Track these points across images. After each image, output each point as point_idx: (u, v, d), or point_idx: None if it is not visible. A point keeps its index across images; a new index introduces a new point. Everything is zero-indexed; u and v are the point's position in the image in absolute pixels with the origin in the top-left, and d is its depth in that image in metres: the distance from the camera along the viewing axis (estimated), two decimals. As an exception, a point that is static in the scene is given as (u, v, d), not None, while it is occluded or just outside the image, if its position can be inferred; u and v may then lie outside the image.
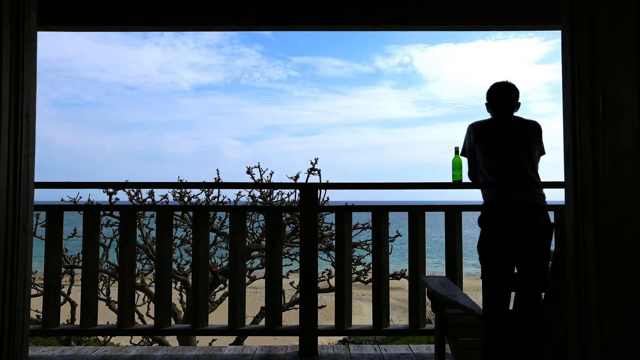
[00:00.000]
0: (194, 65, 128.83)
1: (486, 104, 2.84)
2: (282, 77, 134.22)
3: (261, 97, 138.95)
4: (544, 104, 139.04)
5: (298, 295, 6.73)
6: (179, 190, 7.09)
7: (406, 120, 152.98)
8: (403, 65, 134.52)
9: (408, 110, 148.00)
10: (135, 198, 6.87)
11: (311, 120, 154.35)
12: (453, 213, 3.31)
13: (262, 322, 3.87)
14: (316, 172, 6.66)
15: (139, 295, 6.94)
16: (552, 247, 2.34)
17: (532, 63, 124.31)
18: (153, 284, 6.39)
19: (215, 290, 7.02)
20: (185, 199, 7.17)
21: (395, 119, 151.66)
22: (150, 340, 6.93)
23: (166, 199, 7.01)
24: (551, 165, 3.02)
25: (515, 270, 2.61)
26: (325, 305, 5.84)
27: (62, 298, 5.77)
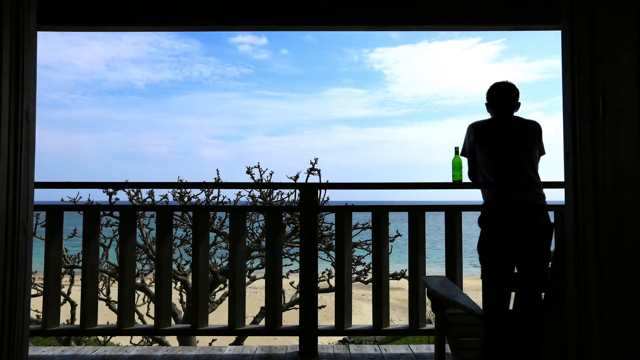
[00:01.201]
0: (139, 62, 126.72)
1: (486, 104, 2.84)
2: (235, 75, 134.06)
3: (220, 95, 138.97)
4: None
5: (298, 295, 6.73)
6: (178, 190, 7.10)
7: (371, 120, 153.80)
8: (363, 65, 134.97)
9: (371, 110, 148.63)
10: (135, 198, 6.87)
11: (282, 119, 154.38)
12: (453, 213, 3.31)
13: (262, 322, 3.87)
14: (316, 172, 6.66)
15: (139, 295, 6.95)
16: (552, 247, 2.34)
17: (488, 62, 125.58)
18: (153, 284, 6.40)
19: (215, 290, 7.03)
20: (185, 199, 7.17)
21: (362, 117, 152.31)
22: (150, 340, 6.94)
23: (166, 199, 7.02)
24: (550, 163, 3.03)
25: (515, 270, 2.61)
26: (325, 305, 5.84)
27: (62, 298, 5.78)
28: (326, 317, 6.93)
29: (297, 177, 6.81)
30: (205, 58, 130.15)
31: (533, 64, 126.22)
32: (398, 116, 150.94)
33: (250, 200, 7.01)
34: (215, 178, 6.94)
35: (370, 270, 6.02)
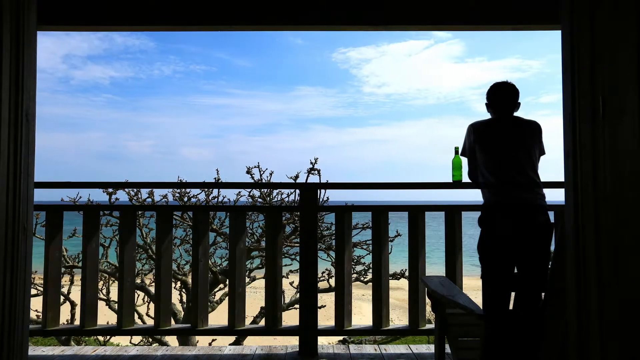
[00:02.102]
0: (96, 59, 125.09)
1: (486, 104, 2.84)
2: (199, 73, 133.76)
3: (192, 94, 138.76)
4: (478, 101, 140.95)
5: (298, 295, 6.73)
6: (178, 190, 7.09)
7: (348, 119, 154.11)
8: (329, 65, 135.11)
9: (347, 110, 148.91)
10: (135, 198, 6.87)
11: (258, 118, 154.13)
12: (453, 213, 3.31)
13: (262, 322, 3.87)
14: (316, 172, 6.66)
15: (139, 295, 6.95)
16: (552, 247, 2.34)
17: (451, 62, 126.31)
18: (153, 284, 6.40)
19: (215, 290, 7.03)
20: (185, 199, 7.17)
21: (338, 117, 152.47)
22: (150, 340, 6.94)
23: (166, 199, 7.02)
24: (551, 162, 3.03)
25: (515, 270, 2.61)
26: (325, 305, 5.84)
27: (62, 298, 5.78)
28: (326, 317, 6.93)
29: (297, 177, 6.81)
30: (164, 56, 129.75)
31: (494, 62, 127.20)
32: (374, 116, 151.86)
33: (250, 200, 7.01)
34: (215, 178, 6.94)
35: (370, 270, 6.03)
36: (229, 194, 9.87)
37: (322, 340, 5.71)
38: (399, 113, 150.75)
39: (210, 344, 6.69)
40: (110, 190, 6.36)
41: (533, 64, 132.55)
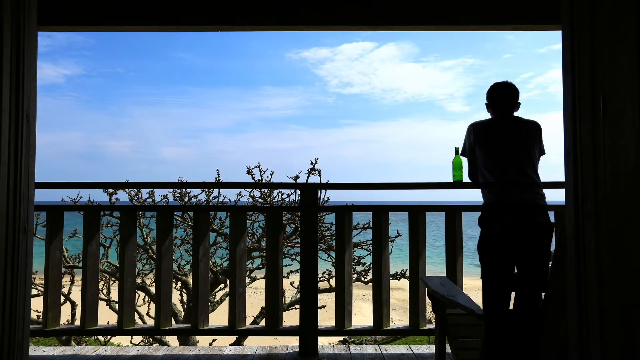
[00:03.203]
0: (41, 56, 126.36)
1: (486, 104, 2.84)
2: (154, 71, 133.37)
3: (155, 92, 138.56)
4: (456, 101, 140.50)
5: (298, 295, 6.73)
6: (179, 191, 7.10)
7: (320, 119, 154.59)
8: (291, 65, 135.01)
9: (318, 110, 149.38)
10: (135, 198, 6.87)
11: (231, 117, 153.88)
12: (453, 213, 3.31)
13: (262, 322, 3.87)
14: (316, 172, 6.66)
15: (139, 295, 6.95)
16: (552, 247, 2.34)
17: (408, 62, 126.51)
18: (153, 284, 6.40)
19: (215, 290, 7.03)
20: (186, 199, 7.17)
21: (311, 116, 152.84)
22: (151, 340, 6.94)
23: (166, 199, 7.02)
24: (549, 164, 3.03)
25: (515, 271, 2.61)
26: (325, 305, 5.84)
27: (62, 298, 5.78)
28: (326, 317, 6.92)
29: (297, 177, 6.81)
30: (109, 53, 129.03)
31: (447, 62, 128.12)
32: (347, 115, 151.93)
33: (251, 200, 7.01)
34: (215, 178, 6.94)
35: (371, 270, 6.02)
36: (230, 194, 9.87)
37: (322, 341, 5.71)
38: (371, 113, 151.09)
39: (210, 344, 6.69)
40: (111, 190, 6.36)
41: (487, 63, 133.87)
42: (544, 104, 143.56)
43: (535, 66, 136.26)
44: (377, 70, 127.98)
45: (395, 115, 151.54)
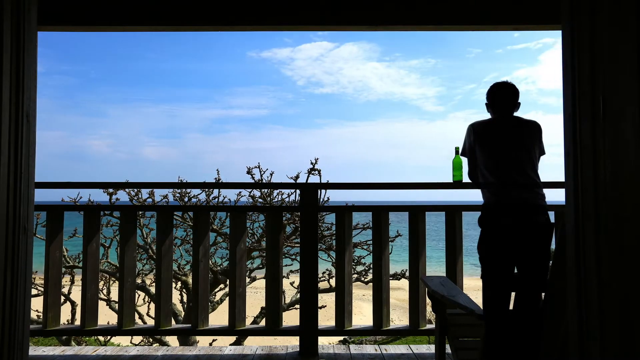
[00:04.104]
0: None
1: (486, 104, 2.84)
2: (104, 71, 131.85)
3: (120, 93, 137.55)
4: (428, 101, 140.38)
5: (298, 295, 6.73)
6: (179, 191, 7.10)
7: (297, 118, 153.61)
8: (255, 65, 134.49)
9: (294, 109, 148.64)
10: (135, 198, 6.88)
11: (206, 117, 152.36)
12: (453, 213, 3.31)
13: (262, 322, 3.87)
14: (316, 172, 6.66)
15: (139, 295, 6.95)
16: (552, 247, 2.34)
17: (373, 61, 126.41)
18: (153, 284, 6.40)
19: (215, 290, 7.03)
20: (186, 199, 7.18)
21: (288, 116, 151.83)
22: (151, 340, 6.94)
23: (166, 199, 7.02)
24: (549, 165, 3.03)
25: (515, 271, 2.61)
26: (325, 305, 5.84)
27: (62, 298, 5.78)
28: (326, 317, 6.93)
29: (297, 177, 6.81)
30: (70, 52, 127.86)
31: (411, 62, 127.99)
32: (324, 115, 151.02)
33: (251, 200, 7.01)
34: (215, 178, 6.95)
35: (371, 270, 6.02)
36: (230, 194, 9.87)
37: (322, 341, 5.71)
38: (347, 112, 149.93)
39: (210, 344, 6.69)
40: (111, 190, 6.36)
41: (449, 63, 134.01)
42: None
43: (500, 66, 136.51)
44: (342, 69, 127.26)
45: (372, 114, 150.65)
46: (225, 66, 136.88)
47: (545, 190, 2.69)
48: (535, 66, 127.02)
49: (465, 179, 3.01)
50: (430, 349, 3.20)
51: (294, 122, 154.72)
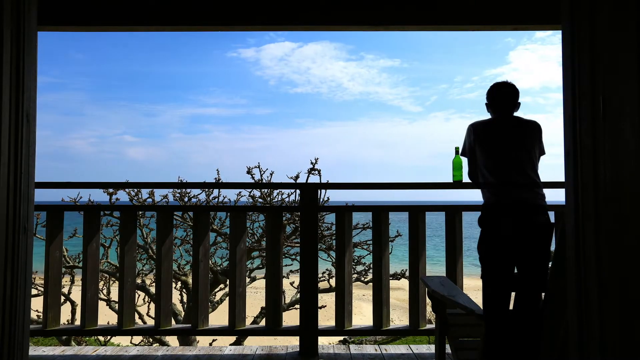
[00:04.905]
0: None
1: (486, 104, 2.84)
2: (72, 73, 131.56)
3: (94, 94, 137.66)
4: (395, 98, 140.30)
5: (298, 295, 6.73)
6: (179, 191, 7.10)
7: (272, 118, 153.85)
8: (220, 65, 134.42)
9: (266, 108, 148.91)
10: (135, 198, 6.87)
11: (185, 115, 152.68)
12: (453, 213, 3.31)
13: (262, 322, 3.87)
14: (316, 172, 6.66)
15: (139, 295, 6.95)
16: (552, 247, 2.34)
17: (339, 61, 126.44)
18: (153, 284, 6.40)
19: (215, 290, 7.03)
20: (186, 199, 7.18)
21: (264, 116, 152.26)
22: (151, 340, 6.94)
23: (166, 199, 7.02)
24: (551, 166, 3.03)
25: (515, 270, 2.61)
26: (325, 305, 5.84)
27: (62, 298, 5.78)
28: (326, 317, 6.92)
29: (297, 177, 6.81)
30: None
31: (380, 62, 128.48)
32: (302, 115, 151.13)
33: (251, 200, 7.01)
34: (215, 178, 6.95)
35: (371, 270, 6.03)
36: (230, 194, 9.87)
37: (322, 341, 5.71)
38: (326, 112, 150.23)
39: (210, 344, 6.69)
40: (111, 190, 6.36)
41: (417, 64, 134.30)
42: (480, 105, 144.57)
43: (469, 68, 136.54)
44: (310, 69, 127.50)
45: (353, 114, 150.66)
46: (194, 66, 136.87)
47: (545, 190, 2.69)
48: (504, 66, 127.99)
49: (465, 179, 3.01)
50: (430, 349, 3.20)
51: (274, 121, 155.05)
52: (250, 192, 6.95)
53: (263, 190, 7.09)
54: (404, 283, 4.79)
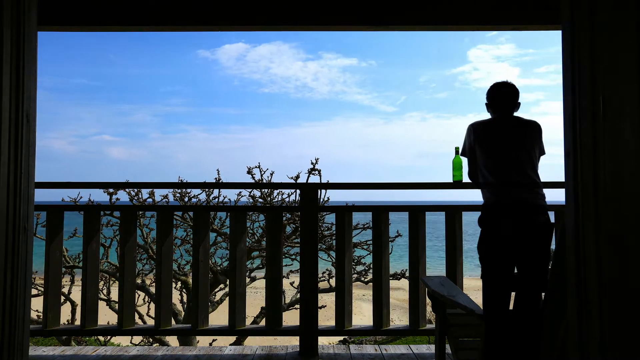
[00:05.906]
0: None
1: (486, 104, 2.84)
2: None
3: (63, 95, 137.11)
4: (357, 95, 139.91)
5: (298, 295, 6.73)
6: (179, 190, 7.10)
7: (254, 118, 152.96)
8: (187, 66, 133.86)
9: (244, 109, 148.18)
10: (135, 198, 6.88)
11: (164, 115, 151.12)
12: (453, 213, 3.31)
13: (262, 322, 3.87)
14: (316, 172, 6.66)
15: (139, 295, 6.95)
16: (552, 247, 2.34)
17: (300, 60, 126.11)
18: (153, 284, 6.40)
19: (216, 290, 7.03)
20: (186, 199, 7.18)
21: (241, 115, 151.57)
22: (151, 340, 6.94)
23: (166, 199, 7.02)
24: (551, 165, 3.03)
25: (516, 270, 2.61)
26: (325, 305, 5.84)
27: (62, 298, 5.78)
28: (326, 317, 6.92)
29: (297, 177, 6.82)
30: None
31: (338, 61, 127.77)
32: (273, 114, 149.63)
33: (251, 200, 7.01)
34: (215, 178, 6.95)
35: (371, 270, 6.03)
36: (230, 194, 9.86)
37: (322, 341, 5.71)
38: (300, 113, 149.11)
39: (210, 344, 6.69)
40: (111, 190, 6.36)
41: (379, 64, 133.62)
42: (460, 104, 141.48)
43: (431, 68, 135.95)
44: (270, 69, 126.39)
45: (327, 114, 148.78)
46: (155, 67, 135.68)
47: (545, 190, 2.69)
48: (465, 65, 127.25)
49: (465, 179, 3.01)
50: (430, 349, 3.20)
51: (249, 121, 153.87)
52: (250, 192, 6.95)
53: (263, 190, 7.09)
54: (404, 283, 4.79)
